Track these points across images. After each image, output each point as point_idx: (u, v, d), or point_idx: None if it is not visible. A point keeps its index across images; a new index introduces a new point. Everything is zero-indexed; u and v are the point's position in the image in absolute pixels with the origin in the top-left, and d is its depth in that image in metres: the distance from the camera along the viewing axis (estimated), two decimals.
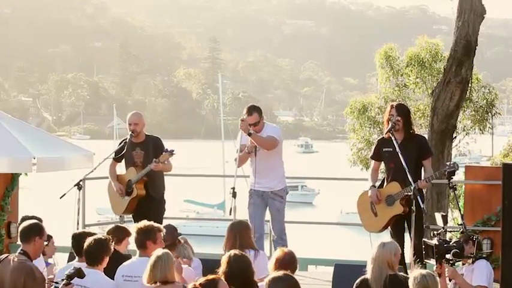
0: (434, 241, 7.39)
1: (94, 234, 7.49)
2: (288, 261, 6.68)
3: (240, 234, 7.86)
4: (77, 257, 7.65)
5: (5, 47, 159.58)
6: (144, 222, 7.38)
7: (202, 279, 5.91)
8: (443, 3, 18.07)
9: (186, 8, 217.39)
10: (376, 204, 9.24)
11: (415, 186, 8.77)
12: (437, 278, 6.65)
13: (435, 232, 7.91)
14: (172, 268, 6.58)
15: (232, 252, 6.40)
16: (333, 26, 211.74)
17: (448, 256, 7.29)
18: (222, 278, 6.09)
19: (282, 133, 10.19)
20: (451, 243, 7.50)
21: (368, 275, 6.84)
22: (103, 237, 7.31)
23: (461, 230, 8.24)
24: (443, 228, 8.28)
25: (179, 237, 8.26)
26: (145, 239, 7.22)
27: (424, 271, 6.55)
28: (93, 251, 7.17)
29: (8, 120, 11.67)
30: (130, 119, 10.25)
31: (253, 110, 9.87)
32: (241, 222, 8.14)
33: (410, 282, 6.46)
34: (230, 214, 10.18)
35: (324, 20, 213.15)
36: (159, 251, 6.67)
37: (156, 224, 7.48)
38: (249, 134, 9.70)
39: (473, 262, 7.90)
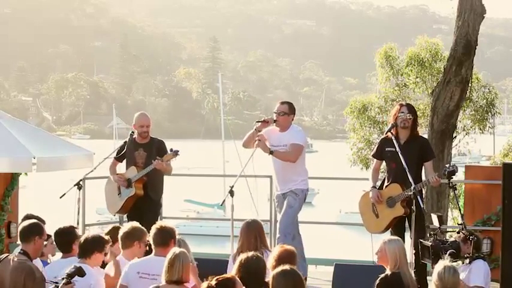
0: (430, 242, 7.38)
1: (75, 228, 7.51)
2: (287, 258, 6.57)
3: (259, 234, 7.83)
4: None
5: (5, 47, 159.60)
6: (161, 223, 7.40)
7: (219, 278, 5.88)
8: (443, 3, 18.04)
9: (186, 8, 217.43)
10: (377, 206, 9.24)
11: (416, 187, 8.77)
12: (458, 273, 6.54)
13: (431, 232, 7.90)
14: (188, 268, 6.53)
15: (249, 254, 6.29)
16: (333, 25, 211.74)
17: (444, 256, 7.26)
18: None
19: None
20: (447, 243, 7.48)
21: (397, 269, 6.75)
22: (100, 235, 7.33)
23: (458, 230, 8.21)
24: (439, 228, 8.26)
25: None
26: (170, 237, 7.21)
27: (447, 264, 6.48)
28: (86, 245, 7.24)
29: (8, 120, 11.67)
30: (142, 120, 10.17)
31: (286, 102, 9.94)
32: (258, 222, 8.05)
33: (434, 272, 6.44)
34: (221, 205, 10.19)
35: (324, 19, 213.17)
36: (176, 250, 6.64)
37: None
38: (271, 153, 9.62)
39: (470, 262, 7.87)
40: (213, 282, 5.76)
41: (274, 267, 6.30)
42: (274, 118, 9.74)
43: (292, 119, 9.85)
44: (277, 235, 9.61)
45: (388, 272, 6.91)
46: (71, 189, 10.17)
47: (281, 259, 6.55)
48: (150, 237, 7.33)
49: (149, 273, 7.01)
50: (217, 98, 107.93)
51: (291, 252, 6.74)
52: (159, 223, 7.35)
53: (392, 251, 6.91)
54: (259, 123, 9.76)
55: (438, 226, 8.28)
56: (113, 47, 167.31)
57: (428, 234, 8.70)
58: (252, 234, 7.85)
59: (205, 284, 5.85)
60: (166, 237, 7.19)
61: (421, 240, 8.37)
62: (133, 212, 10.09)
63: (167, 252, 6.98)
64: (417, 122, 9.33)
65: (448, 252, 7.39)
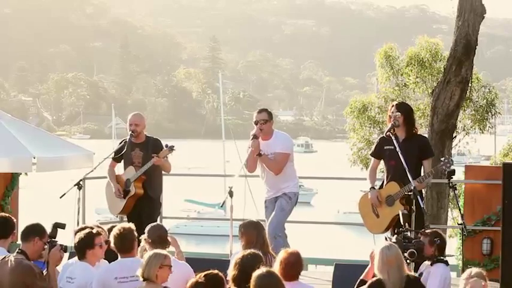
0: (394, 239, 7.32)
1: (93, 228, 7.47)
2: (294, 262, 6.54)
3: (264, 235, 7.75)
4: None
5: (5, 47, 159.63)
6: (118, 227, 7.21)
7: (207, 274, 5.87)
8: (444, 2, 18.09)
9: (186, 8, 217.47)
10: (376, 206, 9.24)
11: (414, 183, 8.75)
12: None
13: (398, 229, 7.86)
14: (164, 269, 6.45)
15: (245, 252, 6.28)
16: (333, 26, 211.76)
17: (405, 255, 7.18)
18: (231, 279, 6.05)
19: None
20: (411, 242, 7.42)
21: (382, 276, 6.46)
22: (87, 233, 7.23)
23: (422, 230, 8.16)
24: (404, 226, 8.21)
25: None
26: (132, 240, 7.09)
27: (474, 270, 6.57)
28: (78, 245, 7.19)
29: (8, 120, 11.69)
30: (131, 119, 10.23)
31: (263, 110, 9.95)
32: (260, 223, 7.98)
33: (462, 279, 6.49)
34: (222, 206, 10.25)
35: (324, 20, 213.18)
36: (155, 251, 6.60)
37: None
38: (259, 155, 9.69)
39: (431, 264, 7.83)
40: (201, 279, 5.77)
41: (281, 272, 6.28)
42: (259, 128, 9.72)
43: (272, 123, 9.87)
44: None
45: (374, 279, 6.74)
46: (71, 189, 10.17)
47: (289, 263, 6.50)
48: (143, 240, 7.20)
49: (127, 276, 6.87)
50: (217, 98, 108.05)
51: (297, 255, 6.64)
52: (116, 228, 7.17)
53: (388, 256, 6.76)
54: (253, 140, 9.70)
55: (402, 223, 8.23)
56: (113, 47, 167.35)
57: (394, 231, 8.69)
58: (259, 234, 7.74)
59: (193, 279, 5.86)
60: (127, 242, 7.04)
61: (388, 236, 8.38)
62: (133, 212, 10.11)
63: (133, 254, 7.02)
64: (411, 119, 9.30)
65: (408, 252, 7.32)
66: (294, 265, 6.54)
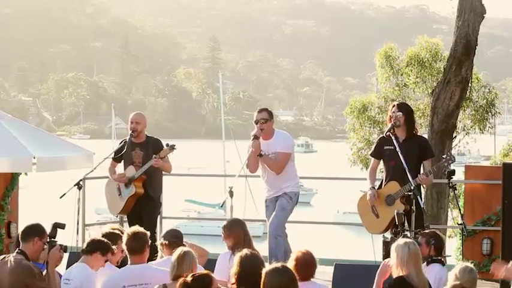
0: (390, 239, 7.31)
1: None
2: (309, 262, 6.51)
3: (248, 233, 7.76)
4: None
5: (5, 47, 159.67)
6: (133, 229, 7.11)
7: (195, 274, 5.82)
8: (444, 2, 18.10)
9: (186, 8, 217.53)
10: (376, 206, 9.23)
11: (414, 184, 8.76)
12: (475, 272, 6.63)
13: (394, 229, 7.84)
14: (195, 267, 6.41)
15: (246, 251, 6.21)
16: (333, 26, 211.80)
17: None
18: (234, 278, 6.01)
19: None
20: None
21: (408, 271, 6.45)
22: (107, 242, 7.22)
23: (418, 230, 8.14)
24: (402, 225, 8.21)
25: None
26: (145, 243, 6.97)
27: (468, 265, 6.54)
28: (91, 244, 7.19)
29: (7, 120, 11.67)
30: (132, 117, 10.25)
31: (264, 109, 9.93)
32: (242, 221, 7.99)
33: (451, 273, 6.44)
34: (222, 206, 10.24)
35: (324, 20, 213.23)
36: (184, 248, 6.50)
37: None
38: (260, 155, 9.68)
39: (427, 265, 7.83)
40: (189, 279, 5.73)
41: (296, 271, 6.22)
42: (260, 128, 9.71)
43: (272, 122, 9.86)
44: (268, 237, 9.61)
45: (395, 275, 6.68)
46: (71, 189, 10.17)
47: (304, 263, 6.47)
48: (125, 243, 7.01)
49: (136, 284, 6.72)
50: (217, 98, 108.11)
51: (311, 255, 6.61)
52: (131, 229, 7.09)
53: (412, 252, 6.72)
54: (254, 141, 9.68)
55: (396, 224, 8.22)
56: (113, 47, 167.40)
57: (393, 231, 8.70)
58: (244, 231, 7.77)
59: (181, 279, 5.82)
60: (141, 243, 6.92)
61: (385, 237, 8.36)
62: (133, 211, 10.11)
63: (143, 260, 6.91)
64: (412, 120, 9.30)
65: None
66: (309, 264, 6.52)
